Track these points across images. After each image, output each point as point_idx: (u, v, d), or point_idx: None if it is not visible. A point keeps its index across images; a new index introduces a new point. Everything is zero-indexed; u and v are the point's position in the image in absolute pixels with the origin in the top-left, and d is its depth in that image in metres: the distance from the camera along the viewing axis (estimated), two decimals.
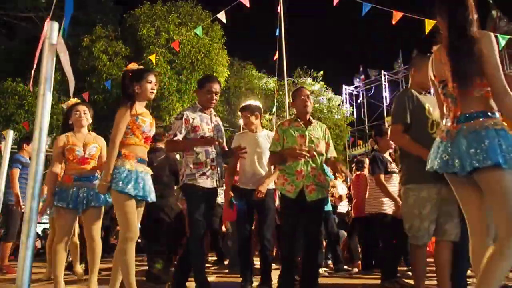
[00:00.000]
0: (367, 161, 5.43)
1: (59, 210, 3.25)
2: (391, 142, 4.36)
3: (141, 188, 2.67)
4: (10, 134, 3.45)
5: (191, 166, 3.12)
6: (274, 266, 3.93)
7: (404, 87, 22.06)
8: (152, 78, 2.81)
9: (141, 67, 3.00)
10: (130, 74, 2.82)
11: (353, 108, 23.42)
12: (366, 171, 5.31)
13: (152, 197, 2.80)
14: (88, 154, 3.31)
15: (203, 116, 3.26)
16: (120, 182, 2.60)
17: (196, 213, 3.07)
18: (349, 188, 6.73)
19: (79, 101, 3.63)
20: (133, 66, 2.92)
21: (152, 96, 2.85)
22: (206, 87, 3.29)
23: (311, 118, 3.37)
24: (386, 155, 4.38)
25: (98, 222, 3.30)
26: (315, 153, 3.23)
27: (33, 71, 2.84)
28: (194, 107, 3.32)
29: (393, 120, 2.65)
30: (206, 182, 3.09)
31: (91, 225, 3.25)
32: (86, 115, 3.40)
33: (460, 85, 1.83)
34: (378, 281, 3.89)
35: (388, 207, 4.20)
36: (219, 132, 3.34)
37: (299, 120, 3.34)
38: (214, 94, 3.28)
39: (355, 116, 23.47)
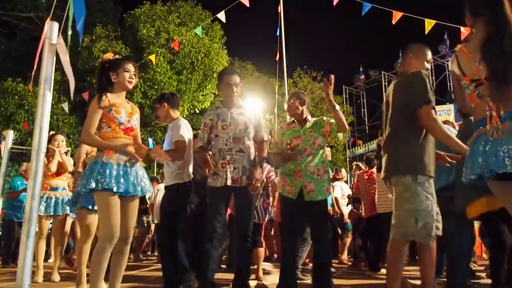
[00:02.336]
0: None
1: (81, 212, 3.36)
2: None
3: (120, 182, 2.41)
4: (10, 134, 3.43)
5: None
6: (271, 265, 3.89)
7: None
8: (130, 67, 2.61)
9: (118, 56, 2.78)
10: (107, 64, 2.63)
11: (353, 108, 23.38)
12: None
13: (138, 190, 2.52)
14: None
15: (221, 113, 3.17)
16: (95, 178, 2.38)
17: (209, 213, 3.08)
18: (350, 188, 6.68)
19: None
20: (109, 55, 2.71)
21: (131, 86, 2.63)
22: (224, 80, 3.18)
23: (308, 117, 3.35)
24: None
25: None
26: (312, 151, 3.21)
27: (33, 71, 2.84)
28: (219, 105, 3.27)
29: (423, 100, 2.32)
30: (216, 182, 3.09)
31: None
32: None
33: (502, 84, 1.75)
34: (381, 281, 3.89)
35: None
36: (238, 126, 3.12)
37: (295, 121, 3.37)
38: (234, 87, 3.14)
39: (355, 116, 23.42)
